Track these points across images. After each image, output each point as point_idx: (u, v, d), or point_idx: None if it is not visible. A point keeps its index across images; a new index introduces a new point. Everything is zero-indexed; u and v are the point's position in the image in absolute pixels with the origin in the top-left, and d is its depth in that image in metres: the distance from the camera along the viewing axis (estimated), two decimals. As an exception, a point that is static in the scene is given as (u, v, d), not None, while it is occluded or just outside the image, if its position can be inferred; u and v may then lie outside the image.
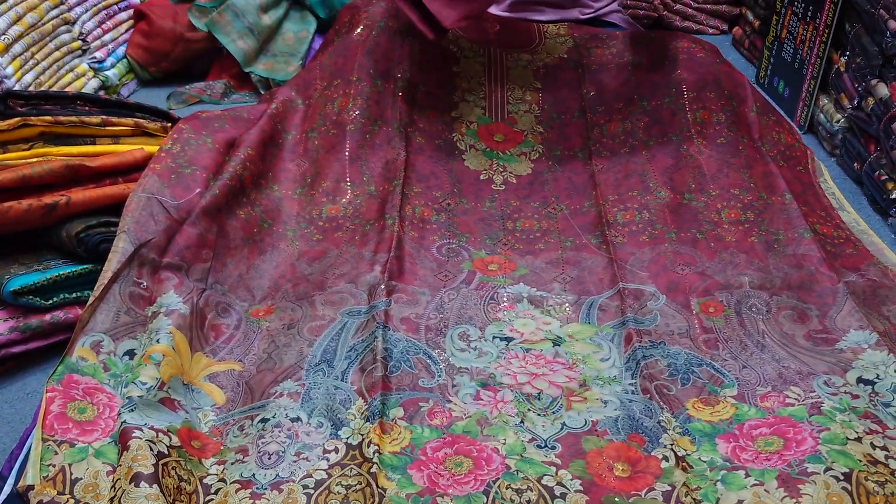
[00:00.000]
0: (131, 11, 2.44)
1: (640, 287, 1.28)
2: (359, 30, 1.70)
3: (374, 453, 0.97)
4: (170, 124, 1.54)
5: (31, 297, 1.24)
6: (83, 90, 2.18)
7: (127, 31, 2.42)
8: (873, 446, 0.96)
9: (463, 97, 1.67)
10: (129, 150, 1.43)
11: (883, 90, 1.63)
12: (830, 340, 1.17)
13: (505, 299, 1.28)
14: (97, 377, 1.10)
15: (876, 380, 1.08)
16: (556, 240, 1.42)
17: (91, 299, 1.17)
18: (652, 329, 1.19)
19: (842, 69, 1.83)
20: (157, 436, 0.98)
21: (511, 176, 1.56)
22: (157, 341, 1.11)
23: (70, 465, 0.97)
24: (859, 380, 1.08)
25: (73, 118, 1.43)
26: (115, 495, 0.91)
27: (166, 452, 0.96)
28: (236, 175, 1.42)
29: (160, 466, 0.93)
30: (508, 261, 1.37)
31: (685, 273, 1.31)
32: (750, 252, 1.35)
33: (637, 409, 1.06)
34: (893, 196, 1.54)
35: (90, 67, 2.24)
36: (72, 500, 0.93)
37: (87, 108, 1.48)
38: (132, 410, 1.00)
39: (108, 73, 2.28)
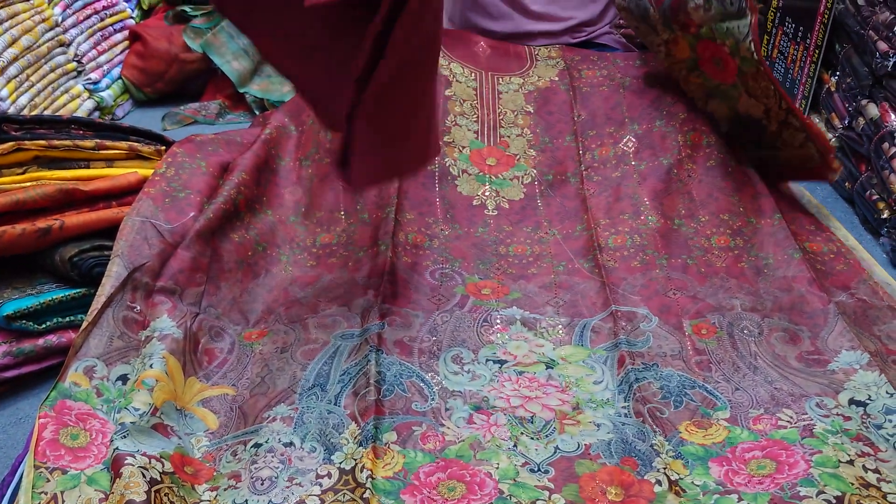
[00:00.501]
0: (126, 32, 2.46)
1: (633, 309, 1.29)
2: None
3: (366, 478, 0.97)
4: (164, 147, 1.54)
5: (24, 321, 1.24)
6: (78, 111, 2.19)
7: (122, 52, 2.44)
8: (865, 469, 0.96)
9: (455, 121, 1.67)
10: (123, 173, 1.44)
11: (873, 110, 1.64)
12: (822, 361, 1.17)
13: (498, 322, 1.29)
14: (90, 403, 1.10)
15: (868, 401, 1.08)
16: (549, 264, 1.42)
17: (84, 324, 1.17)
18: (645, 351, 1.19)
19: (832, 89, 1.84)
20: (150, 462, 0.98)
21: (504, 201, 1.56)
22: (151, 366, 1.11)
23: (62, 492, 0.97)
24: (851, 401, 1.08)
25: (68, 142, 1.43)
26: None
27: (159, 479, 0.96)
28: (230, 199, 1.43)
29: (152, 493, 0.93)
30: (501, 285, 1.38)
31: (677, 297, 1.32)
32: (740, 277, 1.35)
33: (630, 433, 1.06)
34: (884, 216, 1.55)
35: (85, 88, 2.26)
36: (63, 528, 0.92)
37: (81, 132, 1.49)
38: (125, 437, 1.00)
39: (102, 94, 2.29)
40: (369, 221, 1.48)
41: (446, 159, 1.60)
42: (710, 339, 1.23)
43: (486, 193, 1.57)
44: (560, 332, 1.27)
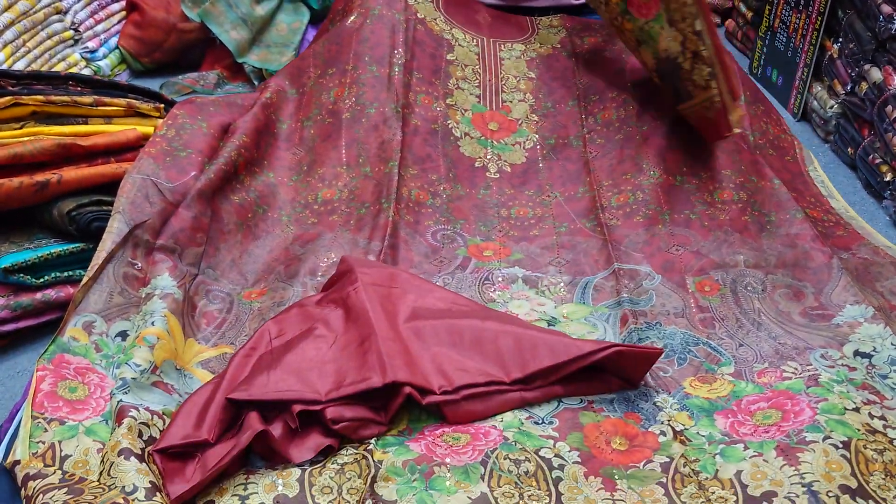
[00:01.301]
0: (124, 2, 2.43)
1: (636, 267, 1.28)
2: (352, 17, 1.69)
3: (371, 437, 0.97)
4: (162, 105, 1.53)
5: (21, 275, 1.23)
6: (75, 80, 2.17)
7: (119, 21, 2.41)
8: (871, 416, 0.95)
9: (458, 85, 1.66)
10: (122, 129, 1.43)
11: (876, 74, 1.63)
12: (827, 316, 1.16)
13: (500, 279, 1.28)
14: (89, 357, 1.09)
15: (873, 353, 1.07)
16: (551, 225, 1.41)
17: (85, 279, 1.16)
18: (647, 310, 1.19)
19: (835, 56, 1.83)
20: (153, 419, 0.97)
21: (506, 164, 1.55)
22: (153, 323, 1.10)
23: (60, 441, 0.96)
24: (856, 353, 1.08)
25: (66, 98, 1.42)
26: (104, 468, 0.90)
27: (157, 437, 0.95)
28: (231, 160, 1.42)
29: (146, 454, 0.92)
30: (503, 247, 1.37)
31: (680, 253, 1.31)
32: (744, 232, 1.34)
33: (632, 393, 1.05)
34: (888, 179, 1.54)
35: (82, 57, 2.23)
36: (59, 473, 0.91)
37: (79, 89, 1.47)
38: (126, 392, 0.99)
39: (100, 63, 2.27)
40: (372, 175, 1.47)
41: (448, 121, 1.59)
42: (714, 296, 1.22)
43: (489, 156, 1.56)
44: (562, 289, 1.26)
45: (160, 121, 1.48)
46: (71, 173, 1.30)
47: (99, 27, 2.32)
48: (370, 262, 1.23)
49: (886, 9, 1.58)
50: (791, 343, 1.12)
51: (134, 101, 1.48)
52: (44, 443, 0.96)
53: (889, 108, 1.56)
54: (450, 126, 1.58)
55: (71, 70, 2.17)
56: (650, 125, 1.56)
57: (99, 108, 1.43)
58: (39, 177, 1.27)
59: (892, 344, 1.07)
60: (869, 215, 1.53)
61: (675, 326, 1.17)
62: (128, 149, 1.40)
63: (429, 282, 1.19)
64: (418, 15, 1.71)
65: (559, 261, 1.33)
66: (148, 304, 1.15)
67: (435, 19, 1.71)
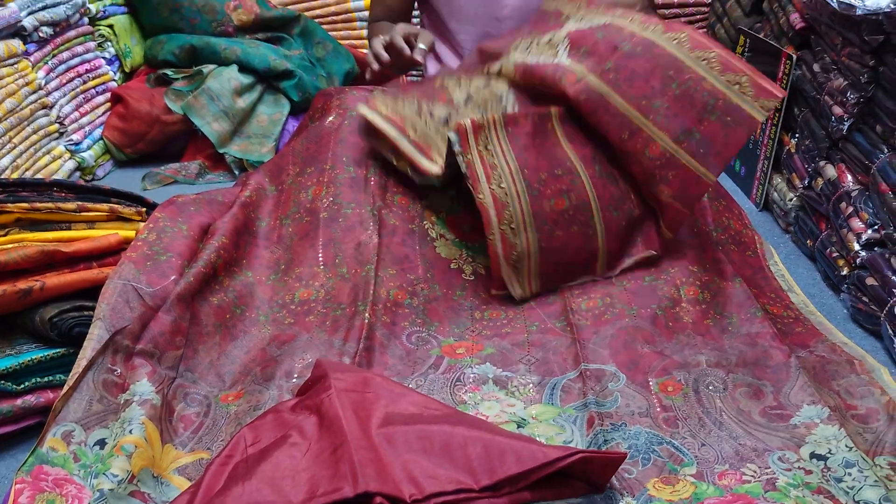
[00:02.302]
0: (108, 94, 2.50)
1: (602, 367, 1.32)
2: (331, 118, 1.75)
3: None
4: (144, 209, 1.57)
5: (2, 381, 1.25)
6: (59, 172, 2.22)
7: (104, 113, 2.48)
8: (825, 522, 0.99)
9: (433, 186, 1.70)
10: (104, 234, 1.46)
11: (831, 171, 1.71)
12: (785, 416, 1.21)
13: (471, 380, 1.31)
14: (67, 468, 1.11)
15: (828, 455, 1.11)
16: (523, 325, 1.45)
17: (65, 389, 1.18)
18: (613, 411, 1.22)
19: (792, 150, 1.92)
20: (128, 529, 0.99)
21: (480, 267, 1.58)
22: (130, 431, 1.12)
23: (38, 555, 0.98)
24: (812, 455, 1.12)
25: (50, 204, 1.46)
26: None
27: None
28: (210, 262, 1.45)
29: None
30: (475, 344, 1.41)
31: (644, 351, 1.35)
32: (706, 335, 1.39)
33: (598, 497, 1.08)
34: (844, 273, 1.60)
35: (66, 149, 2.29)
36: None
37: (63, 195, 1.52)
38: (103, 504, 1.01)
39: (84, 154, 2.33)
40: (349, 277, 1.50)
41: (424, 222, 1.62)
42: (677, 395, 1.26)
43: (464, 258, 1.60)
44: (531, 390, 1.30)
45: (142, 224, 1.52)
46: (53, 280, 1.34)
47: (84, 119, 2.39)
48: (344, 367, 1.26)
49: (838, 110, 1.67)
50: (751, 444, 1.16)
51: (116, 205, 1.52)
52: (20, 557, 0.97)
53: (843, 204, 1.63)
54: (426, 227, 1.62)
55: (55, 162, 2.23)
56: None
57: (82, 213, 1.48)
58: (22, 284, 1.31)
59: (846, 446, 1.11)
60: (828, 308, 1.58)
61: (640, 426, 1.21)
62: (109, 253, 1.44)
63: (402, 385, 1.23)
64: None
65: (529, 358, 1.37)
66: (126, 410, 1.18)
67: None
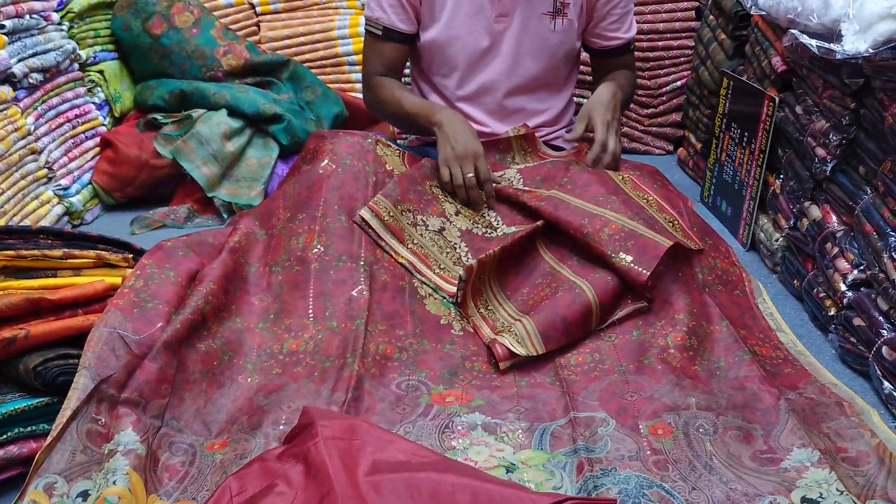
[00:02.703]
0: (98, 139, 2.51)
1: (591, 414, 1.31)
2: (324, 163, 1.74)
3: None
4: (131, 255, 1.57)
5: (-15, 433, 1.23)
6: (47, 217, 2.22)
7: (93, 158, 2.49)
8: (817, 570, 0.98)
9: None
10: (90, 281, 1.46)
11: (815, 212, 1.72)
12: (775, 460, 1.20)
13: (460, 427, 1.30)
14: (48, 520, 1.09)
15: (819, 499, 1.11)
16: (512, 379, 1.45)
17: (48, 440, 1.17)
18: (603, 456, 1.22)
19: (777, 191, 1.93)
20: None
21: (468, 325, 1.59)
22: (114, 482, 1.11)
23: None
24: (803, 499, 1.11)
25: (36, 252, 1.46)
26: None
27: None
28: (198, 309, 1.44)
29: None
30: (465, 393, 1.40)
31: (634, 399, 1.35)
32: (695, 378, 1.39)
33: None
34: (832, 313, 1.61)
35: (55, 194, 2.29)
36: None
37: (49, 241, 1.52)
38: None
39: (72, 199, 2.33)
40: (338, 330, 1.50)
41: (414, 280, 1.64)
42: (667, 438, 1.26)
43: (452, 315, 1.60)
44: (520, 436, 1.29)
45: (128, 271, 1.52)
46: (38, 328, 1.33)
47: (73, 164, 2.39)
48: (331, 413, 1.25)
49: (821, 152, 1.69)
50: (741, 489, 1.15)
51: (103, 252, 1.52)
52: None
53: (829, 245, 1.64)
54: (415, 284, 1.63)
55: (43, 207, 2.22)
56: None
57: (68, 260, 1.47)
58: (7, 332, 1.30)
59: (837, 490, 1.11)
60: (816, 348, 1.59)
61: (630, 470, 1.20)
62: (95, 300, 1.43)
63: (389, 432, 1.22)
64: (387, 167, 1.77)
65: (518, 408, 1.36)
66: (110, 461, 1.16)
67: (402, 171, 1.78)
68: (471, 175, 1.73)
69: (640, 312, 1.53)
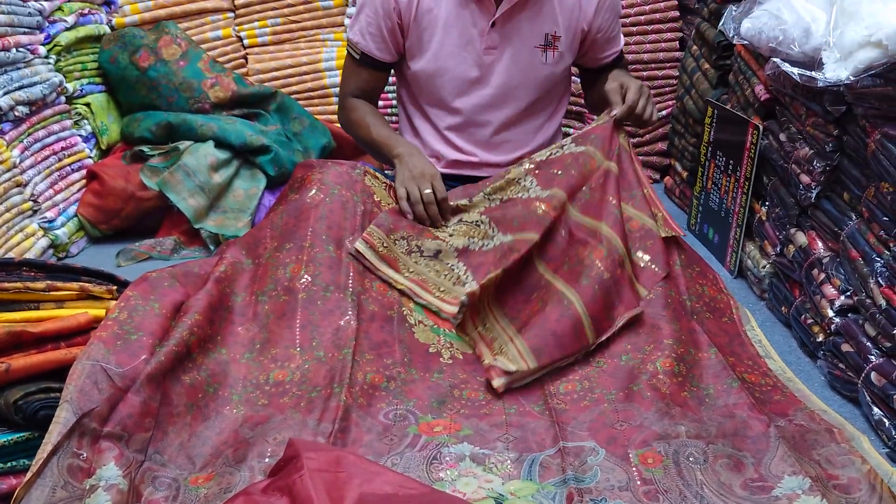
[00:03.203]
0: (84, 171, 2.50)
1: (581, 444, 1.30)
2: (311, 192, 1.73)
3: None
4: (115, 287, 1.55)
5: (-36, 470, 1.21)
6: (32, 249, 2.21)
7: (79, 190, 2.48)
8: None
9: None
10: (73, 314, 1.44)
11: (801, 238, 1.73)
12: (766, 488, 1.19)
13: (448, 458, 1.29)
14: (28, 559, 1.07)
15: (812, 528, 1.10)
16: (501, 407, 1.44)
17: (28, 476, 1.15)
18: (593, 486, 1.20)
19: (763, 218, 1.94)
20: None
21: (458, 352, 1.58)
22: (94, 518, 1.09)
23: None
24: (795, 528, 1.10)
25: (18, 284, 1.44)
26: None
27: None
28: (183, 341, 1.43)
29: None
30: (454, 422, 1.39)
31: (623, 428, 1.34)
32: (684, 406, 1.38)
33: None
34: (820, 339, 1.61)
35: (40, 227, 2.28)
36: None
37: (32, 274, 1.50)
38: None
39: (57, 231, 2.31)
40: (325, 360, 1.48)
41: (403, 308, 1.63)
42: (657, 468, 1.24)
43: (442, 343, 1.59)
44: (509, 466, 1.27)
45: (112, 303, 1.50)
46: (20, 361, 1.31)
47: (58, 197, 2.38)
48: (317, 445, 1.23)
49: (805, 179, 1.70)
50: (733, 518, 1.14)
51: (86, 284, 1.50)
52: None
53: (815, 271, 1.64)
54: (404, 313, 1.62)
55: (28, 240, 2.21)
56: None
57: (51, 292, 1.45)
58: (-13, 366, 1.28)
59: (828, 518, 1.10)
60: (805, 375, 1.58)
61: (621, 500, 1.19)
62: (78, 333, 1.41)
63: (376, 464, 1.20)
64: (374, 197, 1.77)
65: (507, 437, 1.35)
66: (92, 496, 1.14)
67: (389, 203, 1.77)
68: (429, 191, 1.75)
69: (630, 338, 1.52)
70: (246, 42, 3.03)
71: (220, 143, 2.49)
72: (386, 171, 2.21)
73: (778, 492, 1.17)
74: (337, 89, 2.99)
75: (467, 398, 1.46)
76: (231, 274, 1.66)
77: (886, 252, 1.41)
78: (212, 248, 2.34)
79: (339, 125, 2.83)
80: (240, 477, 1.25)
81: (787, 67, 1.64)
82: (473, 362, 1.56)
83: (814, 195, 1.67)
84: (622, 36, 2.05)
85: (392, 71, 2.03)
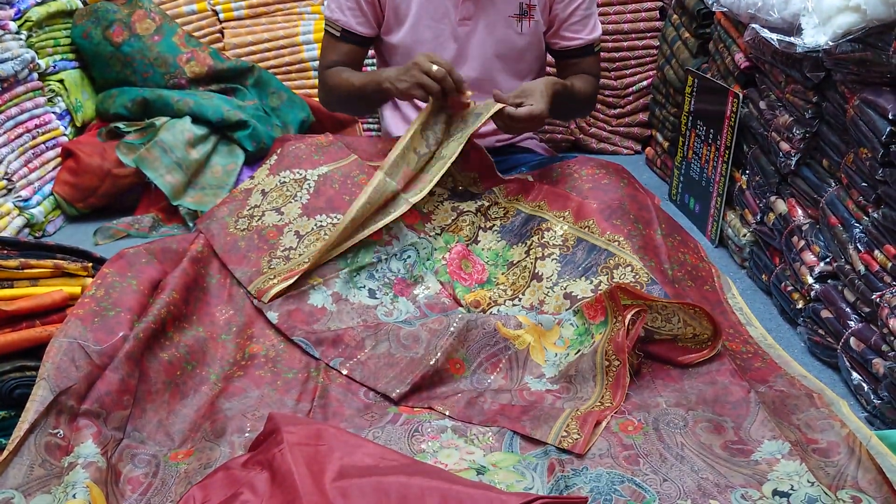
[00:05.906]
0: (59, 149, 2.46)
1: None
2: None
3: None
4: (91, 264, 1.54)
5: (-61, 450, 1.20)
6: (7, 229, 2.17)
7: (54, 168, 2.44)
8: (789, 561, 0.97)
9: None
10: (48, 292, 1.42)
11: (781, 206, 1.73)
12: (746, 451, 1.19)
13: (429, 430, 1.29)
14: (6, 537, 1.06)
15: (791, 491, 1.10)
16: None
17: (5, 454, 1.13)
18: (573, 456, 1.20)
19: (744, 186, 1.94)
20: None
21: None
22: (74, 496, 1.07)
23: None
24: (775, 492, 1.10)
25: (-9, 263, 1.42)
26: None
27: None
28: (159, 318, 1.42)
29: None
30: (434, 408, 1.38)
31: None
32: (665, 377, 1.38)
33: None
34: (800, 306, 1.61)
35: (15, 206, 2.24)
36: None
37: (5, 252, 1.48)
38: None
39: (33, 210, 2.28)
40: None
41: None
42: (637, 434, 1.25)
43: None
44: (490, 438, 1.27)
45: (89, 280, 1.48)
46: (-6, 340, 1.29)
47: (33, 175, 2.34)
48: (297, 419, 1.23)
49: (785, 146, 1.69)
50: (713, 479, 1.14)
51: (61, 261, 1.48)
52: None
53: (795, 238, 1.65)
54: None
55: (2, 220, 2.18)
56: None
57: (25, 270, 1.43)
58: (-39, 346, 1.26)
59: (808, 481, 1.10)
60: (786, 342, 1.59)
61: (602, 467, 1.19)
62: (53, 311, 1.40)
63: (357, 436, 1.20)
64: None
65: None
66: (70, 474, 1.13)
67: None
68: (436, 68, 1.65)
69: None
70: (221, 16, 2.98)
71: (197, 119, 2.46)
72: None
73: (758, 455, 1.18)
74: (315, 62, 2.96)
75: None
76: (206, 255, 1.65)
77: (865, 218, 1.41)
78: (190, 224, 2.31)
79: (317, 100, 2.82)
80: (220, 452, 1.24)
81: (766, 33, 1.63)
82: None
83: (794, 162, 1.67)
84: (599, 28, 1.98)
85: (371, 51, 2.01)
